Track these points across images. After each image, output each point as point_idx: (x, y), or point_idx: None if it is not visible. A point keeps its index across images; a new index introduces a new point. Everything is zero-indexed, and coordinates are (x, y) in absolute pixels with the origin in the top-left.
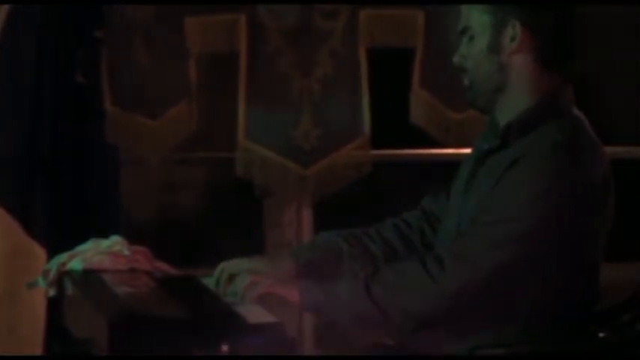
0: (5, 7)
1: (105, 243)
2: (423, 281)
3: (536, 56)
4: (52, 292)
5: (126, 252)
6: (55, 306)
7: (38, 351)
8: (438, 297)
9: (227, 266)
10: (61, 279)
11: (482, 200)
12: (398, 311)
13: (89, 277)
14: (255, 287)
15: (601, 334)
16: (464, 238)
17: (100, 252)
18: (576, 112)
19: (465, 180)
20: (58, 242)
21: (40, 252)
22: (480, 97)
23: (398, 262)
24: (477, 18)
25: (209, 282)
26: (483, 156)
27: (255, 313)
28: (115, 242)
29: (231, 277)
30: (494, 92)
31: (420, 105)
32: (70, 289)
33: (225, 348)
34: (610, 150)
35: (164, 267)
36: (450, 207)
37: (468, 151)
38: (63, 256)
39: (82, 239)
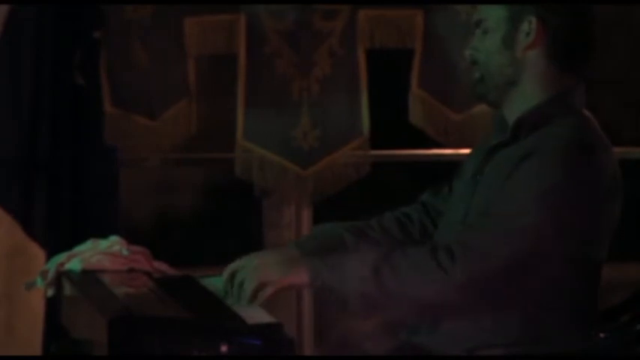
0: (5, 8)
1: (104, 243)
2: (434, 271)
3: (550, 53)
4: (50, 293)
5: (125, 252)
6: (53, 306)
7: (37, 351)
8: (448, 287)
9: (236, 268)
10: (59, 279)
11: (493, 193)
12: (405, 296)
13: (88, 278)
14: (264, 289)
15: (601, 334)
16: (473, 230)
17: (99, 252)
18: (587, 112)
19: (471, 174)
20: (57, 242)
21: (39, 252)
22: (492, 91)
23: (410, 247)
24: (493, 12)
25: (208, 282)
26: (491, 150)
27: (254, 314)
28: (114, 242)
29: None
30: (506, 86)
31: (419, 105)
32: (68, 289)
33: (224, 348)
34: None
35: (163, 267)
36: (453, 201)
37: (467, 151)
38: (62, 256)
39: (82, 239)
